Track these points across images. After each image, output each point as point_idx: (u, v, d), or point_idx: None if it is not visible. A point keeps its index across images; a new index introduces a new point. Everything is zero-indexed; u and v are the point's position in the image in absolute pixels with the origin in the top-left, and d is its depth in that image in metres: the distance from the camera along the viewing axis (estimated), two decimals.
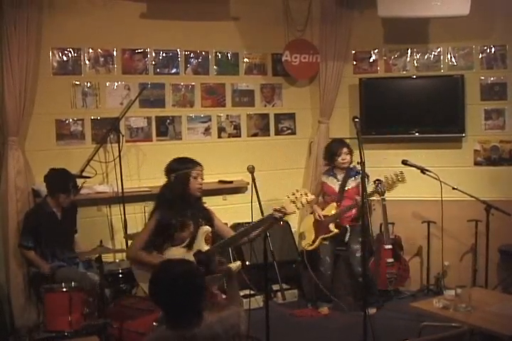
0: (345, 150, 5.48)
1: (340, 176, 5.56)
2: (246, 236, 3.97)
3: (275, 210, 3.83)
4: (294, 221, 6.45)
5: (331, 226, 5.48)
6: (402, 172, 5.31)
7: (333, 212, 5.50)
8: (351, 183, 5.51)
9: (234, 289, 3.36)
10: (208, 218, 4.09)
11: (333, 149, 5.55)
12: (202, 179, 4.05)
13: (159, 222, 3.91)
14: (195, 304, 2.62)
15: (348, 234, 5.48)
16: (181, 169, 3.99)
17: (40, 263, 4.84)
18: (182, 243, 3.93)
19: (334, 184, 5.58)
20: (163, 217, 3.91)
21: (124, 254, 5.34)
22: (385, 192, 5.40)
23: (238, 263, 4.01)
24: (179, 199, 3.95)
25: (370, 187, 5.36)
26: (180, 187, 3.95)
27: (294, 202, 3.82)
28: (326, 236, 5.54)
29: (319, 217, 5.57)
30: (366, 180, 5.51)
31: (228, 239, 4.01)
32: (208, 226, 4.01)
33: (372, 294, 5.53)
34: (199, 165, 4.06)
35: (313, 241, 5.62)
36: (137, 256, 3.91)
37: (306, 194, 3.84)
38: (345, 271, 5.74)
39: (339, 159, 5.49)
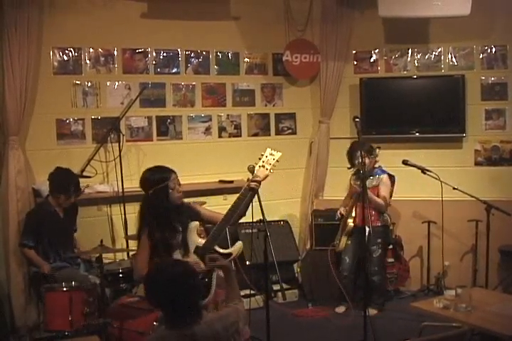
0: (360, 154, 5.34)
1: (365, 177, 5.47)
2: (233, 215, 3.94)
3: (249, 180, 3.88)
4: (294, 220, 6.46)
5: (349, 220, 5.44)
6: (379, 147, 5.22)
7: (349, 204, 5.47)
8: (371, 182, 5.39)
9: (233, 285, 3.34)
10: (194, 214, 4.07)
11: (349, 153, 5.46)
12: (179, 185, 4.00)
13: (150, 240, 3.88)
14: (192, 303, 2.62)
15: (366, 236, 5.36)
16: (157, 181, 3.90)
17: (41, 263, 4.83)
18: (179, 248, 3.92)
19: (358, 185, 5.50)
20: (151, 234, 3.88)
21: (124, 254, 5.38)
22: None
23: (239, 243, 3.98)
24: (162, 214, 3.91)
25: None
26: (161, 203, 3.90)
27: (263, 166, 3.86)
28: (346, 231, 5.48)
29: (340, 213, 5.56)
30: (392, 181, 5.56)
31: (218, 225, 3.97)
32: (195, 222, 3.99)
33: (381, 295, 5.54)
34: (173, 172, 3.99)
35: (339, 241, 5.58)
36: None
37: (271, 154, 3.91)
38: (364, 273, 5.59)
39: (357, 162, 5.41)
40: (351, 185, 5.57)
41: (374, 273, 5.43)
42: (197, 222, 4.01)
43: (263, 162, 3.88)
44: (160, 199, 3.90)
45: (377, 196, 5.38)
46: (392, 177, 5.63)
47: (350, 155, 5.44)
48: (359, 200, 5.34)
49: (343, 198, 5.74)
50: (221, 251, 3.92)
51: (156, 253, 3.89)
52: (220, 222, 3.97)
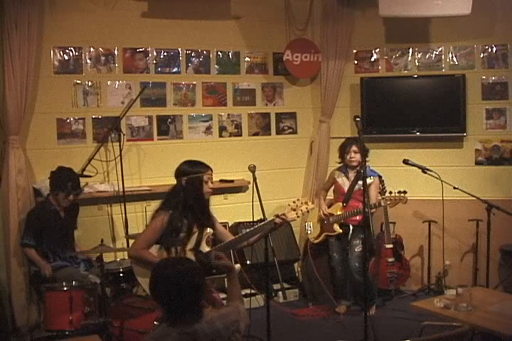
0: (354, 148, 5.39)
1: (352, 175, 5.52)
2: (246, 240, 3.99)
3: (276, 216, 3.90)
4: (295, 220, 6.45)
5: (336, 226, 5.47)
6: (405, 192, 5.24)
7: (339, 212, 5.49)
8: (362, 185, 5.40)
9: (235, 287, 3.34)
10: (211, 222, 4.09)
11: (343, 146, 5.53)
12: (212, 183, 4.04)
13: (167, 224, 3.89)
14: (195, 301, 2.62)
15: (350, 233, 5.48)
16: (192, 173, 3.96)
17: (42, 264, 4.81)
18: (186, 245, 3.92)
19: (344, 183, 5.55)
20: (171, 218, 3.88)
21: (125, 253, 5.37)
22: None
23: (237, 265, 4.01)
24: (190, 202, 3.93)
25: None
26: (191, 192, 3.93)
27: (294, 210, 3.89)
28: (330, 234, 5.54)
29: (323, 214, 5.57)
30: (381, 185, 5.56)
31: (228, 242, 4.01)
32: (209, 228, 4.01)
33: (370, 292, 5.53)
34: (210, 168, 4.03)
35: (318, 236, 5.63)
36: (139, 255, 3.90)
37: (306, 203, 3.92)
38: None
39: (347, 157, 5.45)
40: (334, 179, 5.62)
41: (355, 269, 5.42)
42: (211, 230, 4.02)
43: (296, 206, 3.90)
44: (191, 189, 3.93)
45: None
46: (380, 178, 5.64)
47: (343, 149, 5.51)
48: (346, 202, 5.40)
49: (321, 189, 5.83)
50: None
51: (164, 239, 3.90)
52: (228, 241, 4.00)
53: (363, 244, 5.17)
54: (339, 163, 5.63)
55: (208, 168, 4.03)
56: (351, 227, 5.48)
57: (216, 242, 4.11)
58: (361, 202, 5.10)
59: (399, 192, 5.27)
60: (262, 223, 3.96)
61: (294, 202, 3.92)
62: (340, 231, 5.47)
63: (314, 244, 5.78)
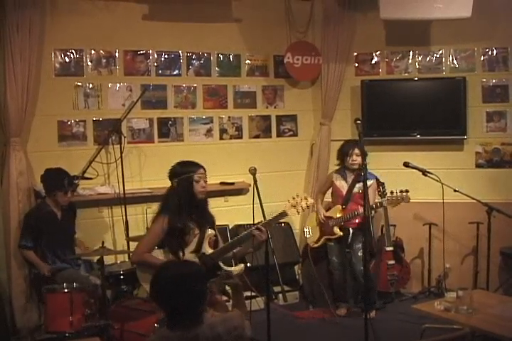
0: (356, 151, 5.35)
1: (350, 178, 5.49)
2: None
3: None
4: (295, 222, 6.46)
5: (336, 229, 5.47)
6: (407, 191, 5.25)
7: (338, 215, 5.48)
8: (360, 187, 5.32)
9: (240, 303, 3.33)
10: (211, 222, 4.09)
11: (344, 149, 5.50)
12: (205, 182, 4.03)
13: (166, 227, 3.89)
14: (196, 305, 2.62)
15: (350, 236, 5.47)
16: (183, 173, 3.97)
17: (40, 264, 4.83)
18: (187, 246, 3.93)
19: (342, 186, 5.51)
20: (169, 221, 3.89)
21: (126, 256, 5.38)
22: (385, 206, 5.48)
23: (241, 266, 4.01)
24: (183, 203, 3.94)
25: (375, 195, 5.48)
26: (184, 192, 3.94)
27: (294, 207, 3.90)
28: (330, 237, 5.53)
29: (322, 218, 5.57)
30: (381, 187, 5.59)
31: (219, 249, 4.01)
32: (211, 230, 4.01)
33: (372, 296, 5.52)
34: (201, 167, 4.04)
35: (318, 240, 5.63)
36: (142, 260, 3.90)
37: (305, 198, 3.92)
38: (350, 273, 5.62)
39: (349, 160, 5.43)
40: (332, 182, 5.61)
41: (360, 273, 5.39)
42: (213, 231, 4.02)
43: (296, 202, 3.90)
44: (182, 189, 3.94)
45: None
46: (378, 180, 5.64)
47: (344, 152, 5.48)
48: (345, 204, 5.40)
49: (317, 192, 5.87)
50: (223, 267, 3.94)
51: (168, 243, 3.90)
52: (220, 248, 4.00)
53: (364, 247, 5.17)
54: (337, 165, 5.62)
55: (199, 167, 4.03)
56: (351, 231, 5.48)
57: (216, 244, 4.11)
58: (360, 205, 5.13)
59: (401, 191, 5.26)
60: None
61: (293, 198, 3.92)
62: (341, 234, 5.45)
63: (314, 248, 5.75)
